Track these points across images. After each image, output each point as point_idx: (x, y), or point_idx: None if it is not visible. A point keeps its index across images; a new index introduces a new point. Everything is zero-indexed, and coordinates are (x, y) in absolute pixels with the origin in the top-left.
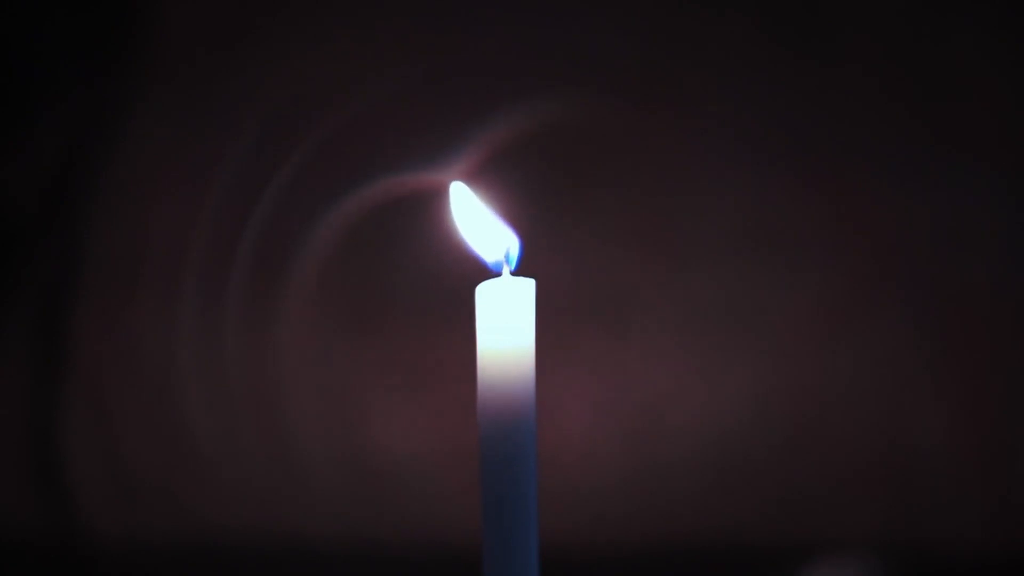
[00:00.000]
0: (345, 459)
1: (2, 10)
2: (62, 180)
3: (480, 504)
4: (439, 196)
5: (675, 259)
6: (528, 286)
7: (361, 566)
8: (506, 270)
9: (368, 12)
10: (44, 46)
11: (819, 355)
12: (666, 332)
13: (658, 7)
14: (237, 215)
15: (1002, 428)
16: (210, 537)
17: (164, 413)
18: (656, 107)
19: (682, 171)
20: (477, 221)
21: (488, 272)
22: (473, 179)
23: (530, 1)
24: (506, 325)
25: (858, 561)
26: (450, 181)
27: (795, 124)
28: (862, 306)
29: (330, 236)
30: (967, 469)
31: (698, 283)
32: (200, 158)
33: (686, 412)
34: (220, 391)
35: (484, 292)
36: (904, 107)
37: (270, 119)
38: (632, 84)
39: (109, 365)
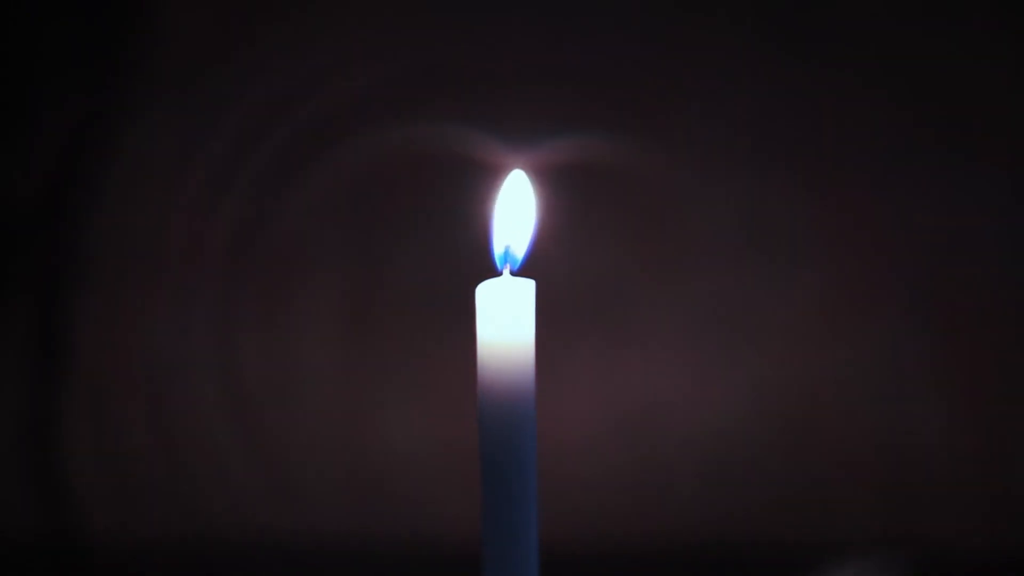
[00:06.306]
0: (345, 459)
1: (3, 12)
2: (62, 180)
3: (480, 504)
4: (438, 195)
5: (675, 259)
6: (528, 286)
7: (361, 566)
8: (507, 270)
9: (364, 12)
10: (44, 48)
11: (818, 355)
12: (666, 332)
13: (658, 10)
14: (237, 215)
15: (1002, 427)
16: (209, 536)
17: (163, 412)
18: (656, 108)
19: (682, 172)
20: (516, 215)
21: (490, 271)
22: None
23: (530, 6)
24: (506, 325)
25: (857, 560)
26: (490, 162)
27: (794, 125)
28: (861, 306)
29: (330, 235)
30: (967, 469)
31: (698, 283)
32: (200, 158)
33: (686, 411)
34: (219, 390)
35: (484, 292)
36: (903, 107)
37: (271, 119)
38: (632, 85)
39: (109, 365)
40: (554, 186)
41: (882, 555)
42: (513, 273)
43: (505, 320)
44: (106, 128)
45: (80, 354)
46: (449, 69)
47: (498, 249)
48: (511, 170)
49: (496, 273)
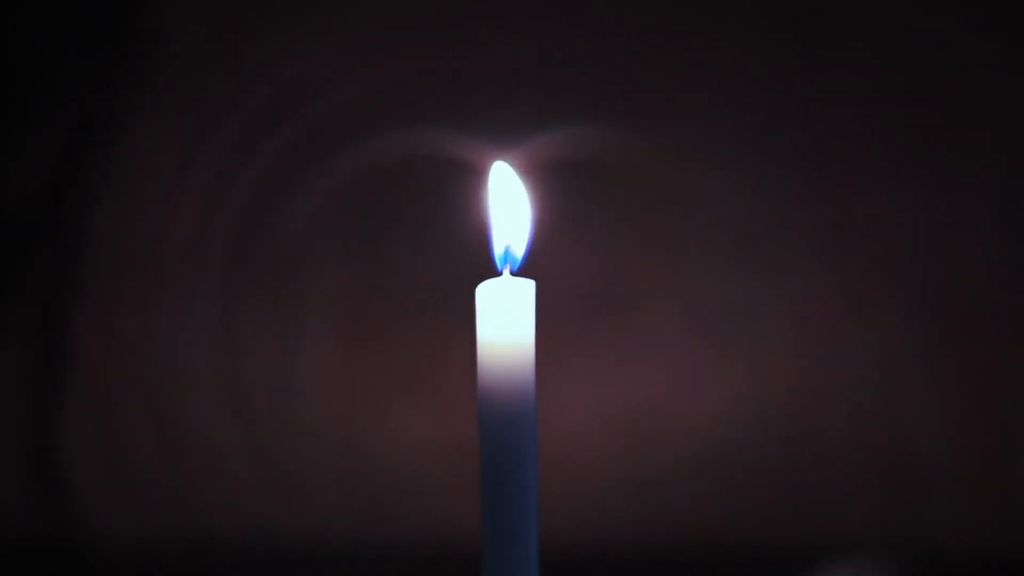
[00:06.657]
0: (345, 459)
1: (3, 11)
2: (62, 180)
3: (480, 504)
4: (439, 195)
5: (675, 260)
6: (528, 287)
7: (361, 566)
8: (507, 270)
9: (364, 13)
10: (46, 47)
11: (818, 355)
12: (665, 333)
13: (658, 9)
14: (237, 215)
15: (1002, 428)
16: (210, 536)
17: (164, 412)
18: (656, 109)
19: (681, 172)
20: (509, 207)
21: (490, 271)
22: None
23: (529, 6)
24: (506, 325)
25: (857, 561)
26: (490, 161)
27: (794, 126)
28: (861, 307)
29: (330, 235)
30: (967, 469)
31: (697, 284)
32: (200, 159)
33: (685, 412)
34: (219, 390)
35: (484, 292)
36: (903, 108)
37: (272, 119)
38: (632, 85)
39: (109, 365)
40: (554, 184)
41: (882, 556)
42: (513, 273)
43: (505, 320)
44: (106, 128)
45: (80, 354)
46: (450, 67)
47: (498, 249)
48: (494, 163)
49: (496, 273)
